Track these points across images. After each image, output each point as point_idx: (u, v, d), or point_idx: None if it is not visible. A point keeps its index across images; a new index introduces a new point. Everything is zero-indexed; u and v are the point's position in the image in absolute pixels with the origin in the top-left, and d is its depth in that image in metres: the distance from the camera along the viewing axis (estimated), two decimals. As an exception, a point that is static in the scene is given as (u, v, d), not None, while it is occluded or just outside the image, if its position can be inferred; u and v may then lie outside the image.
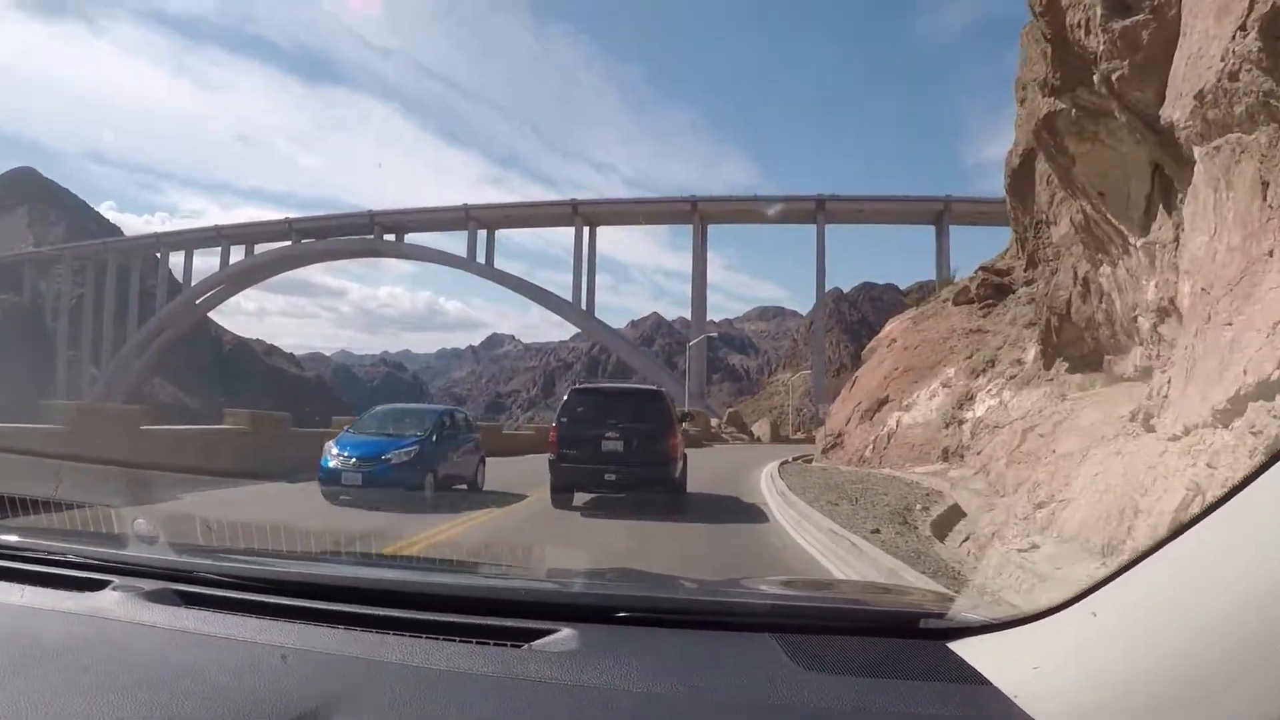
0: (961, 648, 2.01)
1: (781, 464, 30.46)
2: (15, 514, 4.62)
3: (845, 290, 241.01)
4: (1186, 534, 1.55)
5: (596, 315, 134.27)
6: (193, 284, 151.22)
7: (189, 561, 2.73)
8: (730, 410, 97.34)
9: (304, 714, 1.68)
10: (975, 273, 38.76)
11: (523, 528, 14.26)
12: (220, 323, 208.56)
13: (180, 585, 2.44)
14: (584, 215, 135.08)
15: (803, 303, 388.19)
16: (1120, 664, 1.57)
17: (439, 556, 8.97)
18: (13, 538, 2.89)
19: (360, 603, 2.29)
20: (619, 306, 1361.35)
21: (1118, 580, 1.70)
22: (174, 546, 2.99)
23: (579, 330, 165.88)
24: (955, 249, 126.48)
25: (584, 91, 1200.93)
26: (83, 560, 2.66)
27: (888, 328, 43.82)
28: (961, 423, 25.58)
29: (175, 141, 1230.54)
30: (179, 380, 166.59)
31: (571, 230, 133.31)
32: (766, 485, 22.30)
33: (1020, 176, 37.51)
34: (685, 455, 17.63)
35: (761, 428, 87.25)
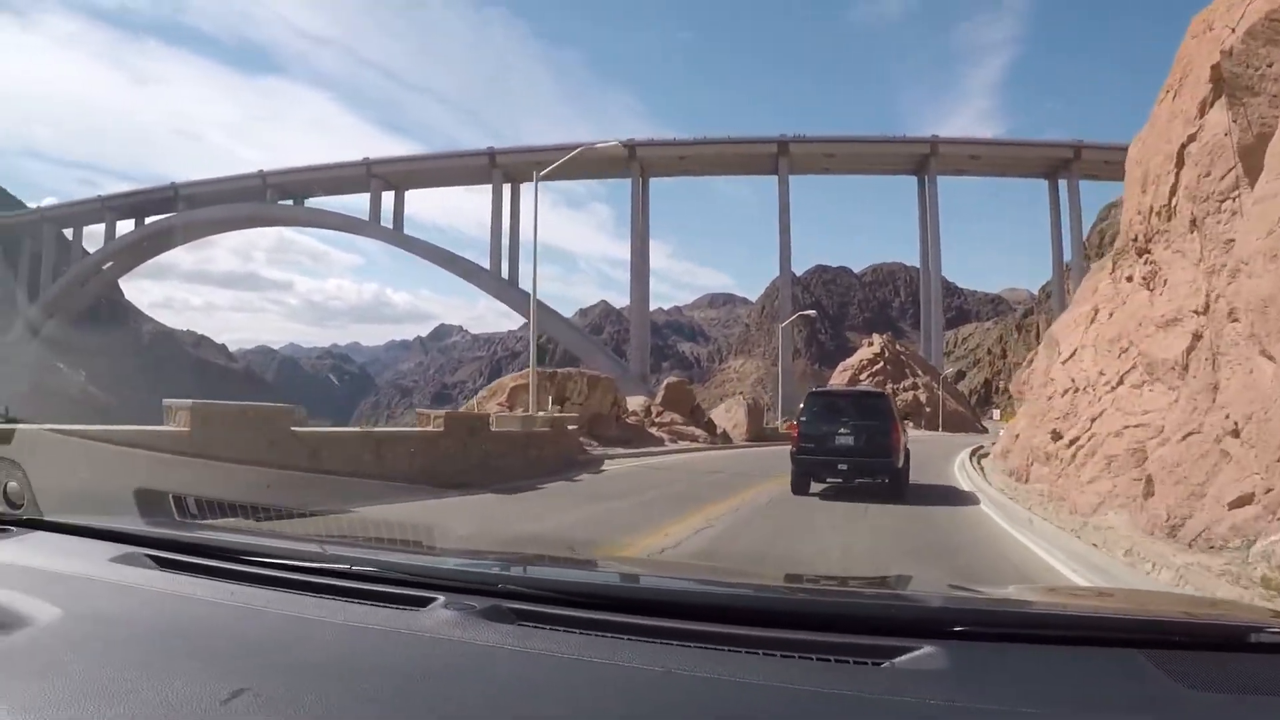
0: None
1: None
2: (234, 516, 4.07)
3: (798, 274, 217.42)
4: None
5: (546, 303, 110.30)
6: (80, 262, 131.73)
7: (521, 575, 2.51)
8: (670, 382, 50.38)
9: None
10: None
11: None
12: (167, 321, 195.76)
13: (514, 602, 2.11)
14: (503, 168, 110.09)
15: (751, 289, 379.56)
16: None
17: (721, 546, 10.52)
18: (311, 546, 2.72)
19: (712, 620, 2.01)
20: (567, 296, 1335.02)
21: None
22: (499, 558, 2.87)
23: (526, 320, 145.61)
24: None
25: (522, 77, 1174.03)
26: (404, 576, 2.36)
27: None
28: None
29: (114, 137, 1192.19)
30: (90, 373, 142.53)
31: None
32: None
33: None
34: (908, 450, 18.10)
35: (731, 416, 51.34)
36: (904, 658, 1.75)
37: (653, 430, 38.97)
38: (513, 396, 30.69)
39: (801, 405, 18.47)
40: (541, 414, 24.51)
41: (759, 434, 48.20)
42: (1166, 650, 1.78)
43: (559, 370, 37.26)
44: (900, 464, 16.74)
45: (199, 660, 1.75)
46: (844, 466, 16.34)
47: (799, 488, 16.78)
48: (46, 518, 2.76)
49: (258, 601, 2.14)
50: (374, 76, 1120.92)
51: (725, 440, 43.39)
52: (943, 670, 1.71)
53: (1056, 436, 15.15)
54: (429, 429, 17.80)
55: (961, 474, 23.46)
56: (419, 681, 1.69)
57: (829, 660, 1.75)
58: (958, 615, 2.08)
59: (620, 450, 29.81)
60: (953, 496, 17.20)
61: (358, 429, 13.03)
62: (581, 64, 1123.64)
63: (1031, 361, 28.05)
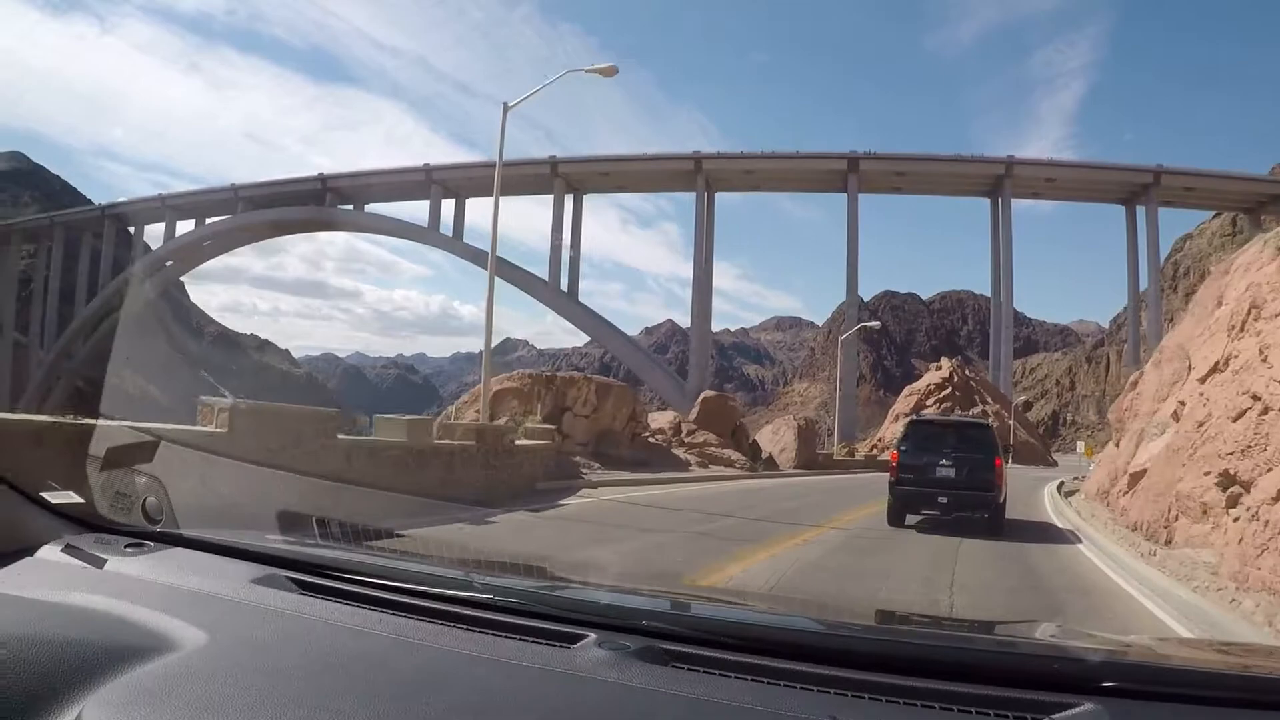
0: None
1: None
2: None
3: (865, 299, 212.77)
4: None
5: (614, 324, 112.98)
6: (141, 260, 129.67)
7: (680, 614, 2.42)
8: (708, 395, 41.66)
9: None
10: None
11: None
12: (234, 325, 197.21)
13: (667, 643, 2.03)
14: (565, 177, 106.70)
15: (819, 313, 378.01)
16: None
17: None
18: (456, 573, 2.64)
19: (865, 668, 1.92)
20: (634, 314, 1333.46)
21: None
22: (648, 594, 2.82)
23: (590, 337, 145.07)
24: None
25: (593, 94, 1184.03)
26: (552, 610, 2.29)
27: None
28: None
29: (188, 140, 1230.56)
30: (146, 371, 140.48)
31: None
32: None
33: None
34: (1007, 483, 17.10)
35: (779, 439, 44.86)
36: (1062, 714, 1.69)
37: (679, 452, 33.63)
38: (496, 402, 25.79)
39: (902, 433, 18.16)
40: (464, 423, 18.77)
41: (810, 460, 42.84)
42: None
43: (559, 374, 31.74)
44: (1001, 499, 16.11)
45: (358, 697, 1.69)
46: (944, 499, 16.01)
47: (896, 519, 16.52)
48: (184, 533, 2.72)
49: (408, 633, 2.09)
50: (448, 89, 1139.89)
51: (769, 466, 37.97)
52: None
53: (1229, 481, 10.05)
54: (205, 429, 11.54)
55: (1060, 518, 20.01)
56: None
57: (989, 714, 1.70)
58: (1116, 670, 1.95)
59: (624, 476, 24.55)
60: (1073, 579, 11.44)
61: (47, 419, 8.04)
62: (653, 83, 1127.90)
63: (1136, 384, 22.76)
